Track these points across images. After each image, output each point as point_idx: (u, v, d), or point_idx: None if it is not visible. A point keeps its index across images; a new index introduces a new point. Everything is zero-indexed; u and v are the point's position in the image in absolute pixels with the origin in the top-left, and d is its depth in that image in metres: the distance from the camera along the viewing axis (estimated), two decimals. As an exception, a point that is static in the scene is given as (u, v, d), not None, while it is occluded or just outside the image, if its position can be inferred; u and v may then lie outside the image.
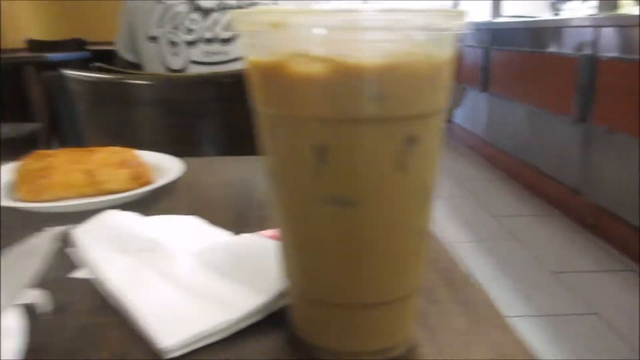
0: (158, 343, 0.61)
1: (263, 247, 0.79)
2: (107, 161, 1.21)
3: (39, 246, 0.69)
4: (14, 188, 1.16)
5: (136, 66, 2.73)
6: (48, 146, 6.35)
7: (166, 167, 1.31)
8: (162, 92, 2.09)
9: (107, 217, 0.94)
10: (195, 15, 2.53)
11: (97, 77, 2.05)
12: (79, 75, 2.09)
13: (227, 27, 2.49)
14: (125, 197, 1.15)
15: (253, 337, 0.65)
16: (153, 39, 2.58)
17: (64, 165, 1.18)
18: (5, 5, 7.38)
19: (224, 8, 2.53)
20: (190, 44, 2.53)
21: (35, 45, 7.34)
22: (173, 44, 2.53)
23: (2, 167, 1.27)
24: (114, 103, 2.12)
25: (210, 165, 1.40)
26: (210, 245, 0.86)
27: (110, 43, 7.94)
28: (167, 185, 1.21)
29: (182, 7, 2.53)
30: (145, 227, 0.93)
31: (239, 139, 2.22)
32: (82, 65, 6.98)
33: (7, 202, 1.11)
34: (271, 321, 0.68)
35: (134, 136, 2.07)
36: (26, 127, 5.46)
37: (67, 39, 7.22)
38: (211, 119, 2.14)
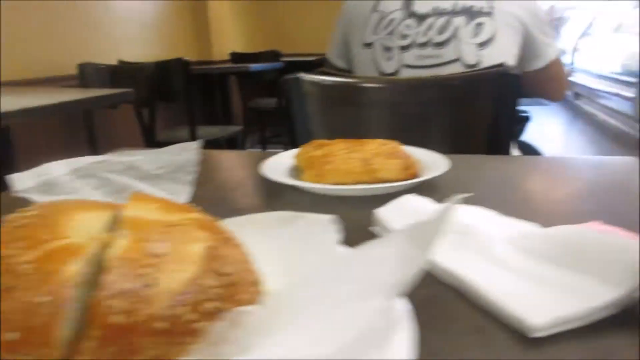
0: (525, 321, 0.61)
1: (601, 240, 0.74)
2: (379, 151, 1.28)
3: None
4: (300, 171, 1.29)
5: (346, 72, 2.88)
6: (243, 147, 7.06)
7: (428, 161, 1.34)
8: (390, 95, 2.17)
9: (409, 199, 0.99)
10: (410, 21, 2.58)
11: (332, 80, 2.20)
12: (314, 78, 2.26)
13: (441, 31, 2.50)
14: (398, 186, 1.20)
15: (608, 329, 0.62)
16: (368, 45, 2.70)
17: (342, 153, 1.27)
18: (214, 23, 8.40)
19: (439, 13, 2.55)
20: (404, 48, 2.59)
21: (237, 57, 8.24)
22: (387, 49, 2.62)
23: (285, 153, 1.42)
24: (344, 104, 2.26)
25: (467, 161, 1.40)
26: (520, 233, 0.84)
27: (301, 54, 8.46)
28: (435, 178, 1.23)
29: (398, 14, 2.61)
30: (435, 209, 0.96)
31: (464, 140, 2.19)
32: (278, 75, 7.65)
33: (294, 182, 1.23)
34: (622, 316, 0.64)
35: (362, 137, 2.19)
36: (229, 130, 6.16)
37: (264, 50, 7.95)
38: (436, 120, 2.15)
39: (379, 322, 0.49)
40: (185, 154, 1.01)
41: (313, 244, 0.62)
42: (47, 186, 0.88)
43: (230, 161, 1.62)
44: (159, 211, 0.60)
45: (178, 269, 0.50)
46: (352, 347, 0.46)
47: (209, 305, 0.50)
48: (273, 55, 7.79)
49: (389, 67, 2.64)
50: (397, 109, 2.19)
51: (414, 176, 1.27)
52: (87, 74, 5.12)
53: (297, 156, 1.35)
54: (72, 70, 5.16)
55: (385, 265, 0.52)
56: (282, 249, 0.64)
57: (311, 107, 2.35)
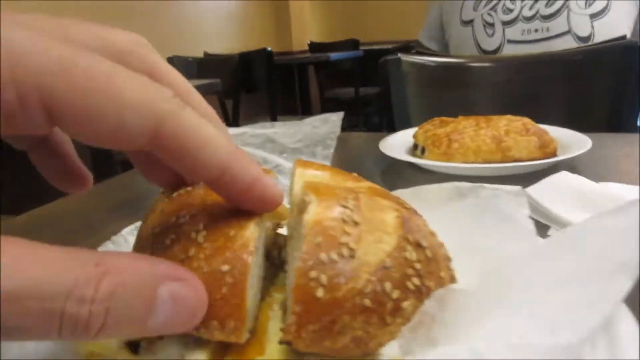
0: None
1: None
2: (511, 128, 1.17)
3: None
4: (420, 150, 1.21)
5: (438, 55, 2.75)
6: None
7: (563, 139, 1.22)
8: (498, 73, 2.03)
9: (565, 177, 0.89)
10: (516, -6, 2.42)
11: (434, 61, 2.09)
12: (415, 59, 2.17)
13: (550, 3, 2.31)
14: (535, 165, 1.09)
15: None
16: (467, 23, 2.55)
17: (470, 130, 1.18)
18: (294, 13, 8.44)
19: (547, -16, 2.35)
20: (508, 23, 2.42)
21: (315, 46, 8.23)
22: (489, 25, 2.47)
23: (400, 132, 1.35)
24: (447, 85, 2.15)
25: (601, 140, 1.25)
26: None
27: (380, 42, 8.29)
28: (573, 158, 1.11)
29: (501, -12, 2.45)
30: (601, 189, 0.84)
31: (580, 119, 2.00)
32: (356, 64, 7.55)
33: (421, 161, 1.15)
34: None
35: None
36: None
37: (342, 40, 7.88)
38: (549, 99, 1.99)
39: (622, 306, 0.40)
40: (326, 126, 0.96)
41: (503, 218, 0.54)
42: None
43: (344, 142, 1.56)
44: (331, 177, 0.54)
45: (376, 239, 0.44)
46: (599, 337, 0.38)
47: (415, 282, 0.44)
48: (352, 44, 7.70)
49: (490, 44, 2.49)
50: (504, 88, 2.05)
51: (552, 155, 1.15)
52: (175, 67, 5.32)
53: (417, 135, 1.26)
54: (161, 65, 5.37)
55: (621, 240, 0.43)
56: (464, 222, 0.56)
57: (410, 89, 2.25)
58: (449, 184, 0.63)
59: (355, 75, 7.41)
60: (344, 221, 0.44)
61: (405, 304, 0.43)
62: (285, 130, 0.95)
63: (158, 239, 0.47)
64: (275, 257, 0.57)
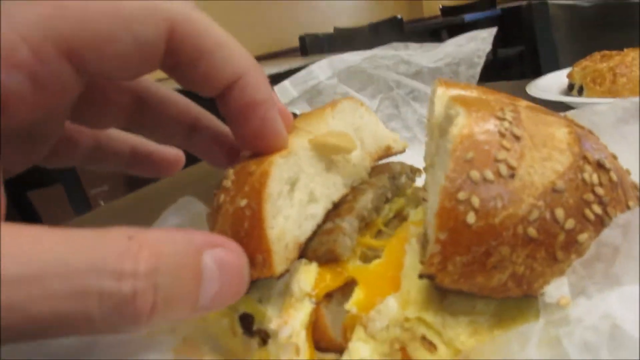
0: None
1: None
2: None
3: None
4: (578, 89, 1.04)
5: None
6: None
7: None
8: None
9: None
10: None
11: (590, 2, 1.83)
12: (565, 2, 1.92)
13: None
14: None
15: None
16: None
17: (635, 64, 0.99)
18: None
19: None
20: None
21: (448, 10, 7.78)
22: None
23: (551, 74, 1.18)
24: (603, 27, 1.87)
25: None
26: None
27: (520, -1, 7.57)
28: None
29: None
30: None
31: None
32: (494, 24, 6.97)
33: (580, 100, 0.99)
34: None
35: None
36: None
37: (477, 0, 7.34)
38: None
39: None
40: (472, 44, 0.83)
41: None
42: (312, 95, 0.81)
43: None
44: (479, 92, 0.46)
45: (544, 156, 0.35)
46: None
47: (596, 210, 0.34)
48: (488, 3, 7.12)
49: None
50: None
51: None
52: (307, 44, 5.43)
53: (574, 73, 1.09)
54: (294, 44, 5.51)
55: None
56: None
57: (559, 35, 2.00)
58: (624, 101, 0.50)
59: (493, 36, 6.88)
60: (502, 134, 0.36)
61: (582, 237, 0.34)
62: (421, 51, 0.84)
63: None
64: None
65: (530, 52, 1.98)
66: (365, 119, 0.56)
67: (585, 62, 1.10)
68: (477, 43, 0.85)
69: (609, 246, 0.33)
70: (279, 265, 0.39)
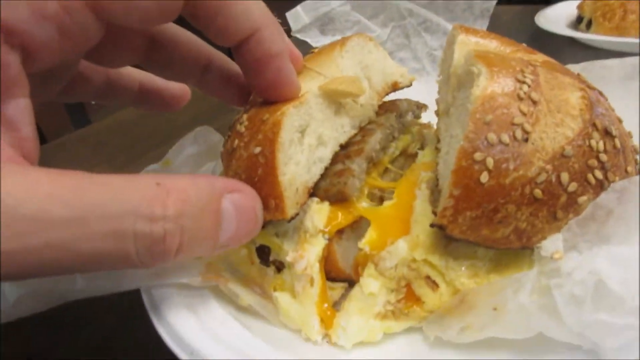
0: None
1: None
2: None
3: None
4: (587, 24, 1.04)
5: None
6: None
7: None
8: None
9: None
10: None
11: None
12: None
13: None
14: None
15: None
16: None
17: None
18: None
19: None
20: None
21: None
22: None
23: (561, 3, 1.16)
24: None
25: None
26: None
27: None
28: None
29: None
30: None
31: None
32: None
33: (586, 35, 0.99)
34: None
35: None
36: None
37: None
38: None
39: None
40: None
41: None
42: (324, 22, 0.80)
43: (494, 17, 1.40)
44: (499, 47, 0.47)
45: (557, 122, 0.37)
46: None
47: (597, 175, 0.37)
48: None
49: None
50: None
51: None
52: None
53: (584, 5, 1.07)
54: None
55: None
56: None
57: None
58: (633, 58, 0.51)
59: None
60: (520, 98, 0.37)
61: (582, 199, 0.37)
62: None
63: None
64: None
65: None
66: (373, 55, 0.56)
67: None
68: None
69: (603, 208, 0.36)
70: (290, 209, 0.42)
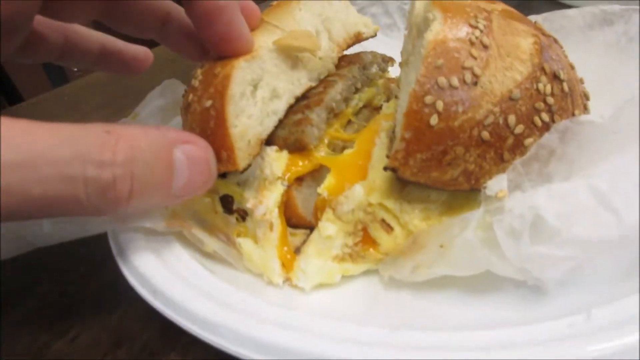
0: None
1: None
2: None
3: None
4: None
5: None
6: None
7: None
8: None
9: None
10: None
11: None
12: None
13: None
14: None
15: None
16: None
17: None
18: None
19: None
20: None
21: None
22: None
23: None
24: None
25: None
26: None
27: None
28: None
29: None
30: None
31: None
32: None
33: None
34: None
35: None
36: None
37: None
38: None
39: None
40: None
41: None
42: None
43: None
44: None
45: (506, 66, 0.38)
46: None
47: (544, 118, 0.38)
48: None
49: None
50: None
51: None
52: None
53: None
54: None
55: None
56: (608, 53, 0.48)
57: None
58: (593, 7, 0.52)
59: None
60: (472, 43, 0.38)
61: (528, 141, 0.38)
62: None
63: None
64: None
65: None
66: (334, 6, 0.56)
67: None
68: None
69: (546, 148, 0.38)
70: (242, 161, 0.43)
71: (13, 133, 0.30)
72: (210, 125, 0.43)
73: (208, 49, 0.48)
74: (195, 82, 0.46)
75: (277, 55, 0.48)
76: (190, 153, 0.38)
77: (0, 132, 0.30)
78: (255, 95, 0.46)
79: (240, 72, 0.44)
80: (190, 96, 0.46)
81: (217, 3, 0.42)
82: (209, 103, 0.43)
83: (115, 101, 0.99)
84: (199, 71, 0.47)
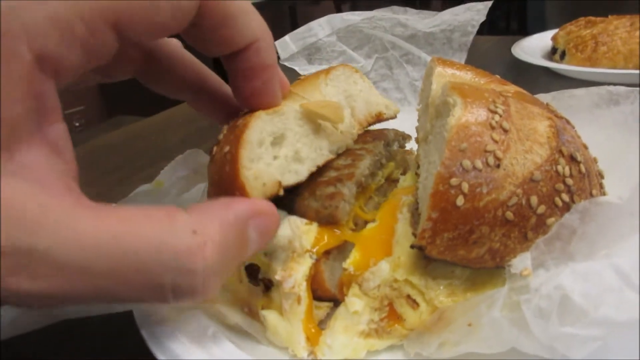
0: None
1: None
2: (677, 33, 1.00)
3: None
4: (561, 54, 1.09)
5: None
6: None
7: None
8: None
9: None
10: None
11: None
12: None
13: None
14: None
15: None
16: None
17: (622, 32, 1.02)
18: None
19: None
20: None
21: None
22: None
23: (537, 35, 1.21)
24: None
25: None
26: None
27: None
28: None
29: None
30: None
31: None
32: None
33: (558, 66, 1.04)
34: None
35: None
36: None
37: None
38: None
39: None
40: (468, 13, 0.86)
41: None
42: (311, 51, 0.84)
43: (472, 47, 1.46)
44: (474, 78, 0.50)
45: (526, 149, 0.40)
46: None
47: (564, 198, 0.40)
48: None
49: None
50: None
51: None
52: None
53: (558, 37, 1.13)
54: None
55: None
56: (616, 132, 0.51)
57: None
58: (599, 88, 0.55)
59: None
60: (492, 127, 0.41)
61: (550, 221, 0.40)
62: (419, 16, 0.87)
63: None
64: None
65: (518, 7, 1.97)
66: (359, 86, 0.59)
67: (570, 27, 1.13)
68: (473, 13, 0.88)
69: (567, 228, 0.39)
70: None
71: (107, 236, 0.31)
72: (226, 169, 0.45)
73: (239, 103, 0.49)
74: (220, 136, 0.49)
75: (301, 117, 0.50)
76: (261, 228, 0.39)
77: (97, 239, 0.31)
78: (279, 151, 0.48)
79: (260, 122, 0.46)
80: (214, 149, 0.48)
81: (264, 61, 0.45)
82: (227, 149, 0.46)
83: (130, 163, 1.01)
84: (224, 127, 0.50)
